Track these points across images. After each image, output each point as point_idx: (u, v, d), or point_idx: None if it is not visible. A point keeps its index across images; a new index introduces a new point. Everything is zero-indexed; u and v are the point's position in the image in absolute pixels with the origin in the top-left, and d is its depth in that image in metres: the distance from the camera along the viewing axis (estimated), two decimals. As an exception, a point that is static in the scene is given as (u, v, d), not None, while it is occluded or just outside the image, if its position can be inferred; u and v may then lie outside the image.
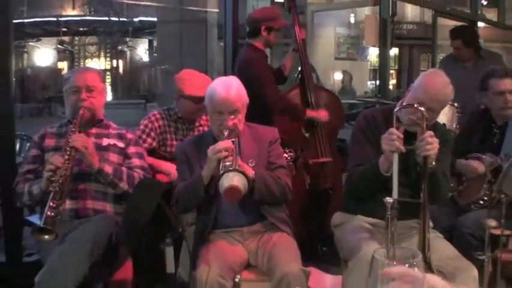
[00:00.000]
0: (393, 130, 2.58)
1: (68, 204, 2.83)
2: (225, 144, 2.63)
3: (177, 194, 2.84)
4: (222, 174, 2.50)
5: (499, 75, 3.47)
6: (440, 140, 2.63)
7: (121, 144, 3.10)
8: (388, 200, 2.47)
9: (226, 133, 2.72)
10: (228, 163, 2.55)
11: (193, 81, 3.67)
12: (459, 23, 7.15)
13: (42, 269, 2.51)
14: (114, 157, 3.04)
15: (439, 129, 2.87)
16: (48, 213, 2.57)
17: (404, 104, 2.79)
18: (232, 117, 2.77)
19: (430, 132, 2.57)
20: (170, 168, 3.50)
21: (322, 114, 4.24)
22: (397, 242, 2.66)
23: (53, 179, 2.67)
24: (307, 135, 4.26)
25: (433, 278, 1.22)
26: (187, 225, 3.13)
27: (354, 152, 3.02)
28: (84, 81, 3.01)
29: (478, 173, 3.34)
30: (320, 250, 4.16)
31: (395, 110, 2.67)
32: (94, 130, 3.09)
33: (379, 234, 2.78)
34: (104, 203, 2.95)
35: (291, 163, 3.83)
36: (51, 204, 2.59)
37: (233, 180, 2.47)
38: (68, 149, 2.77)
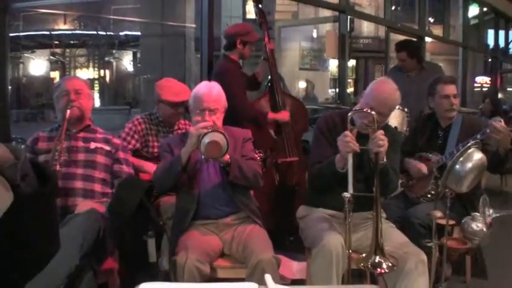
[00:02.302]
0: (347, 133, 2.60)
1: (59, 201, 2.80)
2: (206, 123, 2.68)
3: (157, 172, 2.86)
4: (204, 135, 2.52)
5: (445, 81, 3.53)
6: (390, 139, 2.66)
7: (107, 148, 3.06)
8: (346, 195, 2.49)
9: None
10: None
11: (171, 88, 3.70)
12: (409, 38, 7.23)
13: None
14: (101, 159, 3.01)
15: (389, 131, 2.89)
16: None
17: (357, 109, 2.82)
18: (211, 112, 2.79)
19: (381, 131, 2.60)
20: (152, 168, 3.49)
21: (283, 115, 4.24)
22: (354, 232, 2.69)
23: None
24: (275, 137, 4.27)
25: None
26: (167, 219, 3.12)
27: (314, 151, 3.05)
28: (72, 86, 3.00)
29: (422, 173, 3.40)
30: (287, 240, 4.16)
31: (350, 113, 2.69)
32: (82, 134, 3.05)
33: (338, 224, 2.80)
34: (92, 200, 2.92)
35: (260, 163, 3.82)
36: None
37: (214, 136, 2.50)
38: (56, 152, 2.74)
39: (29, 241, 1.22)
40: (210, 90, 2.84)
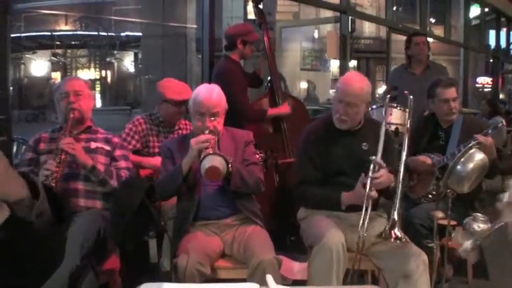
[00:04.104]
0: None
1: (62, 202, 2.80)
2: (206, 136, 2.67)
3: (158, 181, 2.85)
4: (204, 157, 2.51)
5: (445, 84, 3.52)
6: (385, 142, 2.73)
7: (107, 148, 3.06)
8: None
9: (206, 132, 2.73)
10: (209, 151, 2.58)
11: (174, 87, 3.72)
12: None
13: (37, 260, 2.47)
14: (101, 159, 3.00)
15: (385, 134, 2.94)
16: None
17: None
18: (212, 118, 2.78)
19: (382, 173, 2.64)
20: (155, 162, 3.49)
21: (283, 108, 4.25)
22: (355, 232, 2.68)
23: (46, 182, 2.64)
24: (276, 137, 4.26)
25: None
26: (168, 219, 3.11)
27: (298, 169, 3.08)
28: (72, 87, 3.00)
29: (426, 164, 3.39)
30: (288, 240, 4.15)
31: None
32: (83, 135, 3.06)
33: (339, 222, 2.82)
34: (94, 200, 2.92)
35: (261, 163, 3.82)
36: None
37: (214, 161, 2.49)
38: (58, 152, 2.75)
39: (33, 266, 1.22)
40: (210, 94, 2.81)
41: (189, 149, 2.68)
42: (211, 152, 2.54)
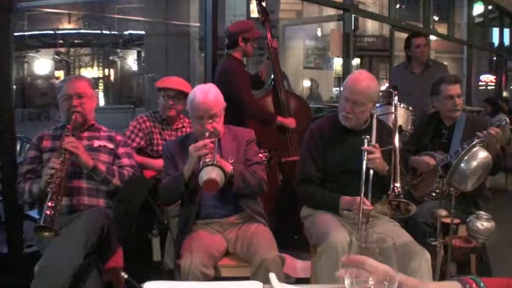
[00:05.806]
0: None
1: (65, 200, 2.80)
2: (205, 142, 2.64)
3: (162, 188, 2.84)
4: (202, 168, 2.50)
5: (449, 81, 3.51)
6: (389, 140, 2.72)
7: (111, 146, 3.07)
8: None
9: (207, 135, 2.72)
10: (207, 160, 2.56)
11: (168, 79, 3.82)
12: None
13: (41, 259, 2.47)
14: (104, 157, 3.01)
15: (386, 130, 2.94)
16: (47, 212, 2.54)
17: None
18: (211, 121, 2.77)
19: (373, 147, 2.69)
20: (155, 163, 3.50)
21: (290, 122, 4.27)
22: (361, 231, 2.68)
23: (50, 180, 2.64)
24: (279, 136, 4.26)
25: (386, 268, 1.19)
26: (171, 218, 3.11)
27: (300, 167, 3.09)
28: (75, 89, 2.99)
29: (430, 166, 3.38)
30: (291, 239, 4.15)
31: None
32: (86, 133, 3.07)
33: (343, 220, 2.82)
34: (97, 199, 2.93)
35: (265, 162, 3.82)
36: (49, 204, 2.56)
37: (211, 173, 2.48)
38: (62, 151, 2.75)
39: None
40: (206, 96, 2.78)
41: (189, 156, 2.67)
42: (208, 163, 2.52)
